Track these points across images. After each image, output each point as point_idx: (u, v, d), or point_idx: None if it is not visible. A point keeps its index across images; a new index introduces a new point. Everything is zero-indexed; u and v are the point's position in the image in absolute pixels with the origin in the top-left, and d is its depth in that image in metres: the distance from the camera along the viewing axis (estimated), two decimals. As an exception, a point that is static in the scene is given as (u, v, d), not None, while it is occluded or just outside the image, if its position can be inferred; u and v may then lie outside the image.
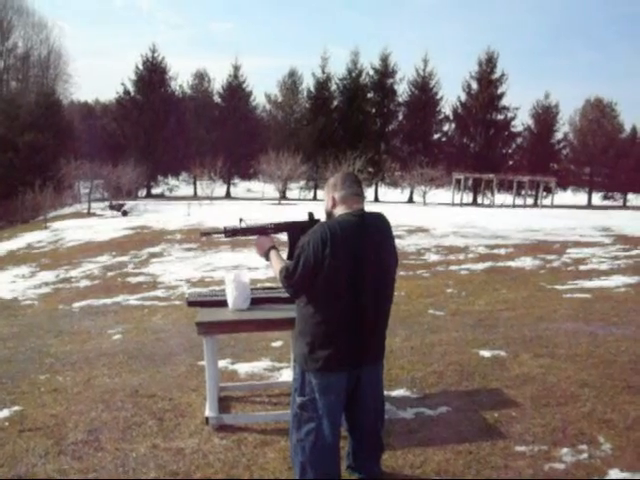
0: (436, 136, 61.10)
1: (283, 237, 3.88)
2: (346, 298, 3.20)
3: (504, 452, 3.93)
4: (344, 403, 3.36)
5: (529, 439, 4.10)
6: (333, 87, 58.44)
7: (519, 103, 74.93)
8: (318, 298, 3.23)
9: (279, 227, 3.84)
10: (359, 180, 3.51)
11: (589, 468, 3.70)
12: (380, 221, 3.39)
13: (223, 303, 4.57)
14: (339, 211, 3.32)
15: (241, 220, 3.90)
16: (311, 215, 3.79)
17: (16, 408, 4.93)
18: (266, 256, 3.66)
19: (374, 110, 59.16)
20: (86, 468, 3.84)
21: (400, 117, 60.98)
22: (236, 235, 3.94)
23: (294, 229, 3.79)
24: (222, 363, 5.83)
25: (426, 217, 27.39)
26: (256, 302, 4.60)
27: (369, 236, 3.25)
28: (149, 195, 52.90)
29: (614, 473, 3.62)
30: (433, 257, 14.79)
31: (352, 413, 3.48)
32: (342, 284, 3.17)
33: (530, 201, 53.20)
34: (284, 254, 3.64)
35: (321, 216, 3.68)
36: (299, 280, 3.22)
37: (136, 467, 3.84)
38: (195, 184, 55.03)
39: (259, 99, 63.19)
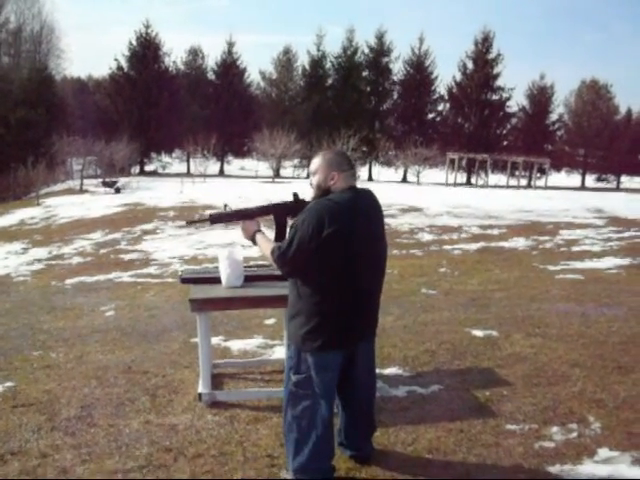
0: (431, 116, 61.00)
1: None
2: (343, 276, 3.18)
3: (495, 430, 3.95)
4: (338, 380, 3.37)
5: (520, 418, 4.13)
6: (328, 65, 58.19)
7: (514, 83, 74.66)
8: (315, 278, 3.20)
9: (264, 210, 3.80)
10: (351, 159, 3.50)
11: (579, 447, 3.73)
12: (371, 196, 3.38)
13: (216, 280, 4.57)
14: (337, 188, 3.29)
15: (225, 205, 3.88)
16: (296, 195, 3.76)
17: (9, 384, 4.94)
18: (253, 240, 3.64)
19: (369, 89, 58.93)
20: (79, 444, 3.85)
21: (395, 96, 60.82)
22: (222, 221, 3.91)
23: (280, 211, 3.76)
24: (215, 340, 5.84)
25: (420, 197, 27.38)
26: (249, 279, 4.60)
27: (363, 212, 3.24)
28: (142, 172, 52.69)
29: (603, 452, 3.65)
30: (426, 237, 14.82)
31: (345, 390, 3.49)
32: (339, 262, 3.16)
33: (524, 182, 53.20)
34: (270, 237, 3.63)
35: (306, 196, 3.65)
36: (293, 258, 3.19)
37: (129, 443, 3.85)
38: (188, 161, 54.85)
39: (253, 76, 62.97)
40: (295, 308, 3.32)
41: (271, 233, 3.68)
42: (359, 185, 3.36)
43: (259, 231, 3.63)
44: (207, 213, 3.94)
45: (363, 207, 3.27)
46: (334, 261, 3.14)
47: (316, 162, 3.38)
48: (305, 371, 3.29)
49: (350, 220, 3.15)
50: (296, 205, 3.66)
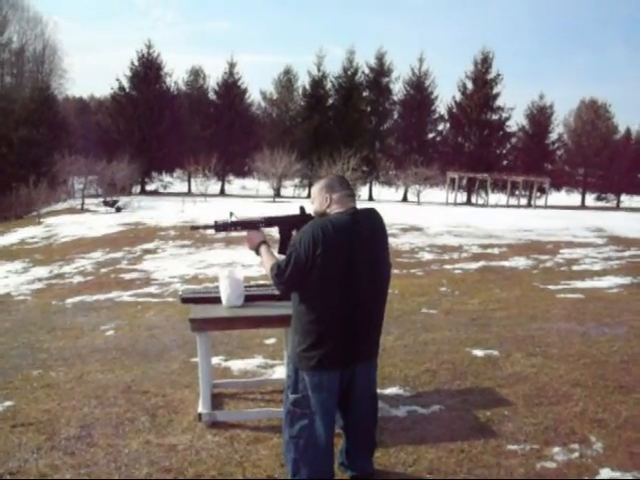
0: (431, 135, 61.06)
1: (274, 232, 3.89)
2: (339, 296, 3.20)
3: (496, 451, 3.94)
4: (338, 400, 3.37)
5: (521, 438, 4.12)
6: (328, 85, 58.33)
7: (514, 103, 74.45)
8: (311, 296, 3.23)
9: (270, 221, 3.84)
10: (349, 182, 3.54)
11: (580, 467, 3.71)
12: (372, 216, 3.40)
13: (217, 300, 4.57)
14: (333, 210, 3.33)
15: (231, 214, 3.89)
16: (302, 209, 3.80)
17: (8, 403, 4.92)
18: (256, 251, 3.66)
19: (369, 109, 59.10)
20: (78, 464, 3.84)
21: (395, 116, 60.98)
22: (227, 229, 3.92)
23: (285, 223, 3.81)
24: (215, 360, 5.83)
25: (420, 216, 27.39)
26: (250, 299, 4.60)
27: (361, 233, 3.26)
28: (143, 191, 52.68)
29: (605, 472, 3.64)
30: (427, 256, 14.81)
31: (346, 410, 3.49)
32: (335, 282, 3.18)
33: (524, 201, 53.28)
34: (274, 250, 3.64)
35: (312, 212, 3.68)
36: (289, 278, 3.23)
37: (128, 463, 3.84)
38: (189, 181, 54.89)
39: (254, 96, 63.00)
40: (294, 326, 3.35)
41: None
42: (360, 205, 3.38)
43: (264, 242, 3.65)
44: (213, 220, 3.95)
45: (362, 227, 3.28)
46: (328, 282, 3.16)
47: (312, 191, 3.48)
48: (302, 390, 3.30)
49: (346, 240, 3.17)
50: (302, 219, 3.68)
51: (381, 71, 58.81)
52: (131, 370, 5.79)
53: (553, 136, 61.01)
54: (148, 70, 54.30)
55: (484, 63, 57.40)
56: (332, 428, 3.36)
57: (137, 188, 52.36)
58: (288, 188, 56.75)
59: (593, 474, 3.63)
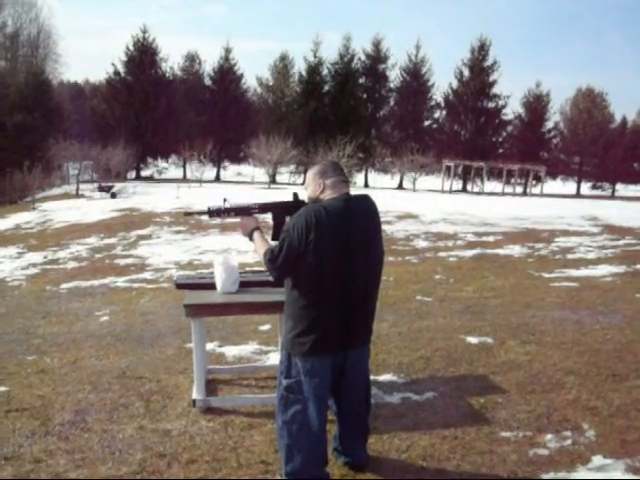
0: (427, 123, 61.00)
1: (268, 218, 3.89)
2: (332, 282, 3.20)
3: (489, 437, 3.96)
4: (330, 386, 3.37)
5: (514, 425, 4.13)
6: (325, 72, 58.13)
7: (510, 91, 74.45)
8: (303, 282, 3.23)
9: (263, 207, 3.84)
10: (343, 168, 3.54)
11: (573, 454, 3.73)
12: (366, 203, 3.39)
13: (211, 286, 4.57)
14: (327, 196, 3.32)
15: (225, 200, 3.89)
16: (296, 196, 3.80)
17: (3, 389, 4.92)
18: (250, 236, 3.65)
19: (365, 95, 58.98)
20: (73, 449, 3.84)
21: (391, 103, 60.84)
22: (220, 215, 3.92)
23: (278, 209, 3.81)
24: (210, 346, 5.84)
25: (415, 203, 27.40)
26: (244, 285, 4.60)
27: (355, 219, 3.26)
28: (138, 177, 52.56)
29: (597, 459, 3.66)
30: (422, 243, 14.82)
31: (339, 396, 3.50)
32: (327, 268, 3.18)
33: (519, 189, 53.31)
34: (268, 236, 3.64)
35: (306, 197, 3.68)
36: (283, 264, 3.22)
37: (123, 448, 3.85)
38: (185, 167, 54.80)
39: (250, 82, 62.76)
40: (287, 312, 3.36)
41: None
42: (355, 192, 3.38)
43: (257, 228, 3.64)
44: (206, 206, 3.95)
45: (356, 214, 3.28)
46: (321, 267, 3.16)
47: (307, 177, 3.47)
48: (295, 375, 3.30)
49: (339, 226, 3.17)
50: (296, 205, 3.68)
51: (378, 58, 58.63)
52: (126, 356, 5.79)
53: (549, 124, 60.92)
54: (143, 55, 54.02)
55: (481, 50, 57.23)
56: (325, 414, 3.37)
57: (132, 174, 52.21)
58: (284, 174, 56.64)
59: (585, 461, 3.65)
